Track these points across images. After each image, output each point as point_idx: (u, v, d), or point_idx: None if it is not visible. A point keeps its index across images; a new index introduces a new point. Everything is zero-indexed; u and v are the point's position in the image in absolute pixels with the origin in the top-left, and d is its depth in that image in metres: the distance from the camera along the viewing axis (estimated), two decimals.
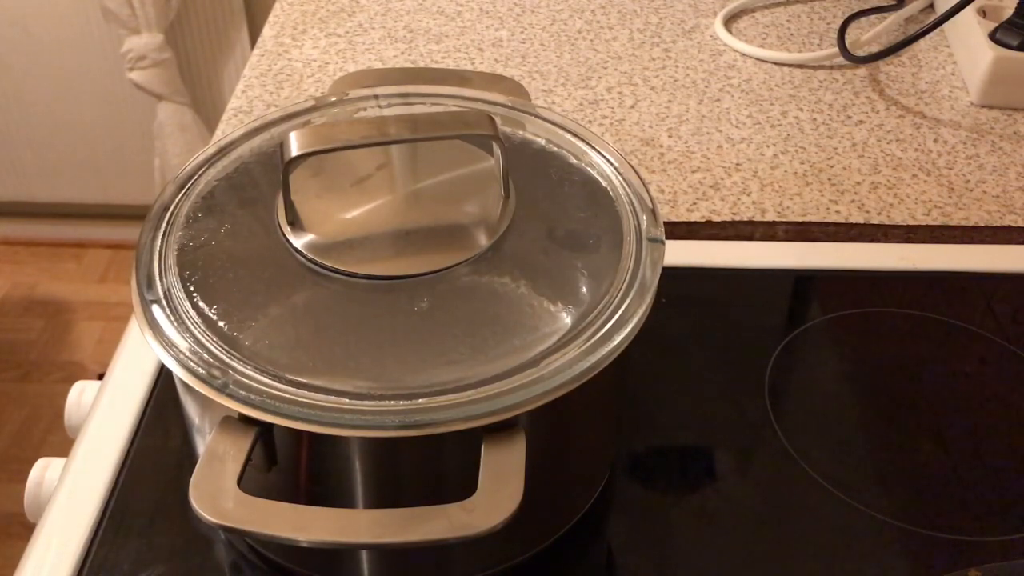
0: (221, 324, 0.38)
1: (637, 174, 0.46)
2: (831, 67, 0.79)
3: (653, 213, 0.44)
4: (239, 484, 0.34)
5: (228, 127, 0.72)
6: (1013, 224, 0.64)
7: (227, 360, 0.37)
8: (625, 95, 0.75)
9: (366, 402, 0.35)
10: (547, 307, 0.40)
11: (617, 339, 0.38)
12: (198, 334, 0.37)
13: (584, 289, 0.41)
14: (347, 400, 0.35)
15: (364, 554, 0.41)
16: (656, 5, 0.87)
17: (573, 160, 0.47)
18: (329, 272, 0.40)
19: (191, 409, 0.40)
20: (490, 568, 0.43)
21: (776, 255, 0.61)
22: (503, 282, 0.40)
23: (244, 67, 0.83)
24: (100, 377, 0.53)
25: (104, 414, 0.50)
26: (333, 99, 0.50)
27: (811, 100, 0.75)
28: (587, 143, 0.47)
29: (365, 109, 0.50)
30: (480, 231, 0.42)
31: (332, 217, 0.42)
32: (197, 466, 0.34)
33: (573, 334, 0.38)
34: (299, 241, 0.41)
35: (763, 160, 0.69)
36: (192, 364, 0.36)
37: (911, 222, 0.64)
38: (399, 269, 0.40)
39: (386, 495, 0.39)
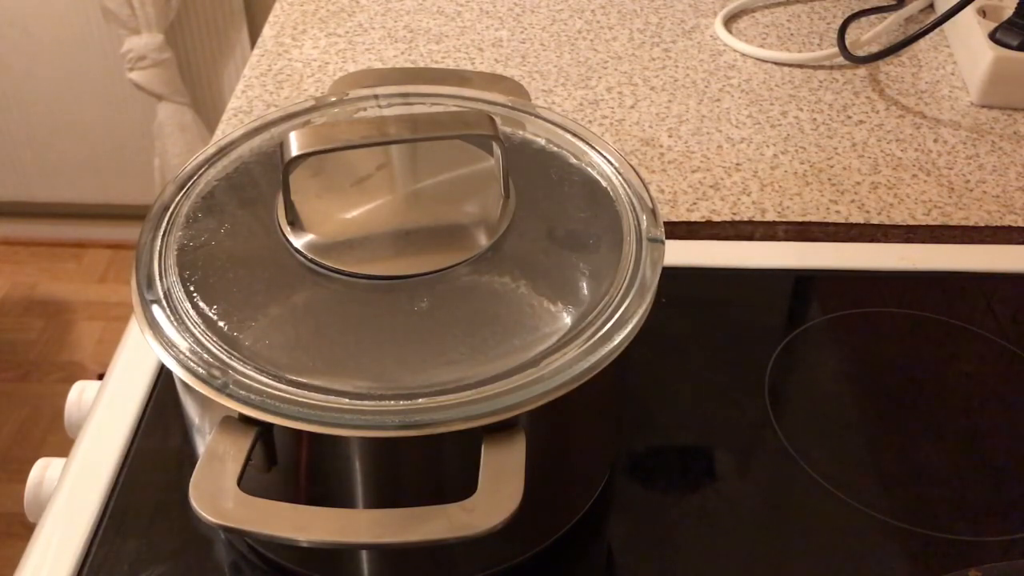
0: (221, 324, 0.38)
1: (637, 174, 0.46)
2: (831, 67, 0.79)
3: (653, 213, 0.44)
4: (239, 484, 0.34)
5: (228, 127, 0.72)
6: (1013, 224, 0.64)
7: (227, 360, 0.37)
8: (625, 95, 0.75)
9: (366, 402, 0.35)
10: (547, 307, 0.40)
11: (617, 339, 0.38)
12: (198, 334, 0.37)
13: (584, 289, 0.41)
14: (347, 400, 0.35)
15: (364, 554, 0.41)
16: (656, 5, 0.87)
17: (573, 160, 0.47)
18: (329, 272, 0.40)
19: (191, 409, 0.40)
20: (490, 568, 0.43)
21: (776, 255, 0.61)
22: (503, 282, 0.40)
23: (244, 67, 0.83)
24: (100, 377, 0.53)
25: (104, 414, 0.50)
26: (333, 99, 0.50)
27: (811, 100, 0.76)
28: (587, 143, 0.47)
29: (365, 109, 0.50)
30: (480, 231, 0.42)
31: (332, 217, 0.42)
32: (197, 466, 0.34)
33: (573, 334, 0.38)
34: (299, 241, 0.41)
35: (763, 160, 0.69)
36: (192, 364, 0.36)
37: (911, 222, 0.64)
38: (399, 269, 0.40)
39: (386, 495, 0.39)
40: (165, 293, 0.39)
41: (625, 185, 0.45)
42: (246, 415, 0.35)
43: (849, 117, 0.74)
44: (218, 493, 0.34)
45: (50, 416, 1.52)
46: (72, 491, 0.46)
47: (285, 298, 0.40)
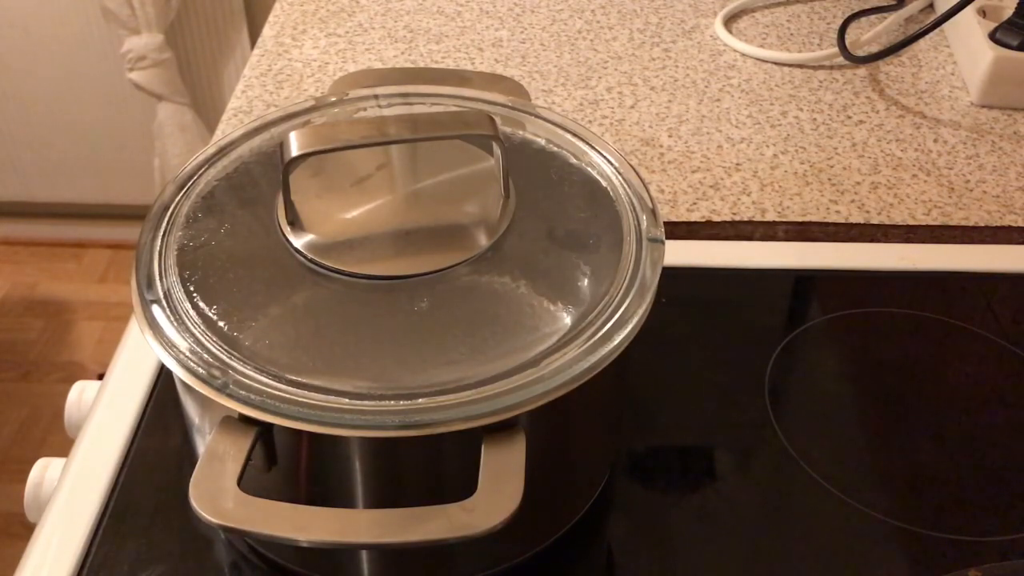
0: (221, 324, 0.38)
1: (637, 174, 0.46)
2: (831, 67, 0.79)
3: (653, 213, 0.44)
4: (239, 484, 0.34)
5: (228, 127, 0.72)
6: (1013, 224, 0.64)
7: (227, 360, 0.37)
8: (625, 95, 0.75)
9: (366, 402, 0.35)
10: (547, 307, 0.40)
11: (617, 339, 0.38)
12: (198, 334, 0.37)
13: (584, 289, 0.41)
14: (347, 400, 0.35)
15: (364, 554, 0.41)
16: (656, 5, 0.87)
17: (573, 160, 0.47)
18: (329, 272, 0.40)
19: (191, 409, 0.40)
20: (490, 568, 0.43)
21: (776, 255, 0.61)
22: (503, 282, 0.40)
23: (244, 67, 0.83)
24: (100, 377, 0.53)
25: (104, 414, 0.50)
26: (333, 99, 0.50)
27: (811, 100, 0.76)
28: (587, 143, 0.47)
29: (365, 109, 0.50)
30: (480, 231, 0.42)
31: (332, 217, 0.42)
32: (197, 466, 0.34)
33: (573, 334, 0.38)
34: (299, 241, 0.41)
35: (763, 160, 0.69)
36: (192, 364, 0.36)
37: (911, 222, 0.64)
38: (399, 269, 0.40)
39: (386, 495, 0.39)
40: (165, 293, 0.39)
41: (625, 185, 0.45)
42: (246, 415, 0.35)
43: (849, 117, 0.74)
44: (218, 493, 0.34)
45: (50, 416, 1.52)
46: (72, 491, 0.46)
47: (285, 298, 0.40)
